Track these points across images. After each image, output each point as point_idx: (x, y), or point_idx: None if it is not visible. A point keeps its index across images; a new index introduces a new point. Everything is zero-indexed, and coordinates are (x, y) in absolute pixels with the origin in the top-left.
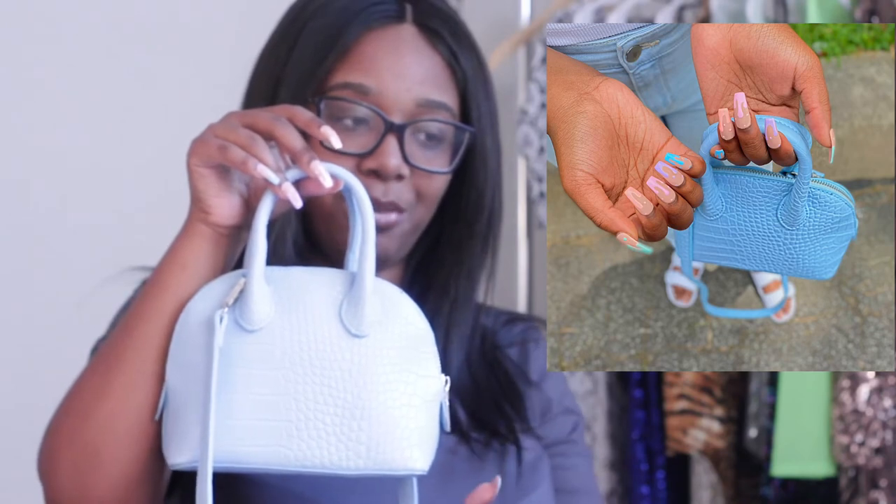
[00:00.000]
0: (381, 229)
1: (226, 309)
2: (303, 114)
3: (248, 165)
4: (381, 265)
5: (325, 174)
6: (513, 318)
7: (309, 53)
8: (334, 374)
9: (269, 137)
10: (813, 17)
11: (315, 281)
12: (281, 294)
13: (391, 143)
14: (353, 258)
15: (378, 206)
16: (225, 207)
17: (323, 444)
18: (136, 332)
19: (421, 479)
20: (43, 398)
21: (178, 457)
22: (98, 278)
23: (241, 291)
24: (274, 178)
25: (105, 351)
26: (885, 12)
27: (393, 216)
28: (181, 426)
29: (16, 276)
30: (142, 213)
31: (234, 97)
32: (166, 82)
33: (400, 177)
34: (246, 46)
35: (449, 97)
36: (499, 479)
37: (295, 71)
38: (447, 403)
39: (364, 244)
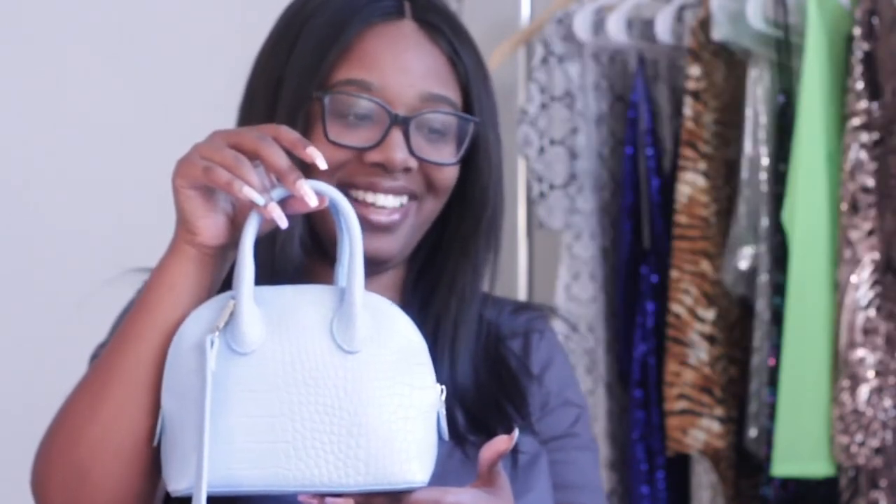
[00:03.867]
0: (386, 228)
1: (216, 333)
2: (288, 133)
3: (233, 187)
4: (386, 266)
5: (311, 193)
6: (519, 307)
7: (310, 51)
8: (329, 391)
9: (254, 157)
10: (813, 17)
11: (305, 299)
12: (271, 314)
13: (397, 136)
14: (341, 272)
15: (388, 189)
16: (211, 228)
17: (321, 462)
18: (124, 355)
19: None
20: (43, 399)
21: (178, 483)
22: (99, 279)
23: (231, 314)
24: (259, 199)
25: (94, 372)
26: (885, 12)
27: (398, 215)
28: (179, 452)
29: (16, 277)
30: (142, 215)
31: (235, 99)
32: (168, 83)
33: (407, 169)
34: (248, 48)
35: (451, 91)
36: (517, 432)
37: (296, 69)
38: (444, 413)
39: (352, 259)
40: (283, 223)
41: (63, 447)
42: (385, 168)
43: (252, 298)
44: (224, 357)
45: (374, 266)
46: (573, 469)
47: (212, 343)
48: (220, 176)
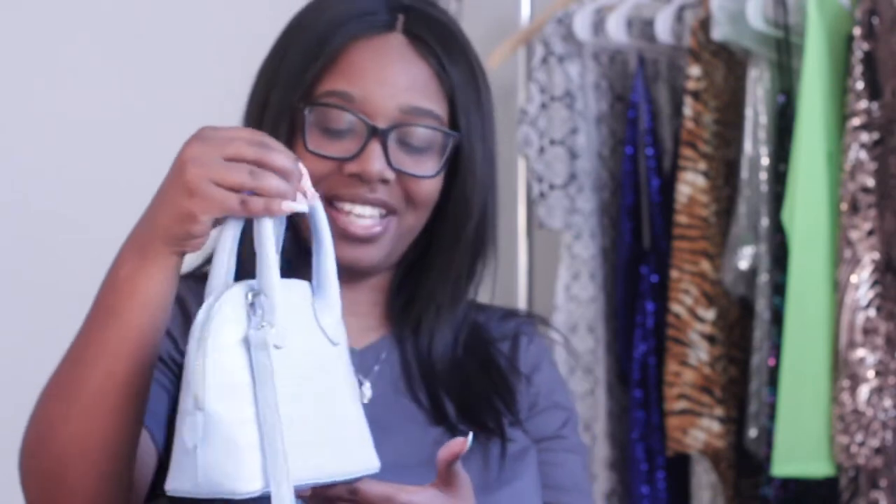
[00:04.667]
0: (366, 240)
1: (272, 327)
2: (277, 144)
3: (272, 209)
4: (370, 273)
5: (313, 191)
6: (508, 313)
7: (298, 61)
8: (331, 382)
9: (260, 166)
10: (813, 16)
11: (293, 292)
12: None
13: (375, 148)
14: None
15: (366, 201)
16: (206, 239)
17: (336, 451)
18: (95, 366)
19: (406, 469)
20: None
21: (248, 484)
22: (100, 278)
23: (265, 308)
24: (304, 208)
25: (60, 378)
26: (885, 12)
27: (379, 228)
28: (235, 453)
29: (17, 276)
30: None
31: (237, 99)
32: (171, 83)
33: (384, 181)
34: (251, 50)
35: (436, 105)
36: (471, 436)
37: (284, 80)
38: None
39: (323, 255)
40: (305, 210)
41: (35, 453)
42: (362, 179)
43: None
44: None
45: (356, 274)
46: (561, 470)
47: (272, 337)
48: (258, 204)
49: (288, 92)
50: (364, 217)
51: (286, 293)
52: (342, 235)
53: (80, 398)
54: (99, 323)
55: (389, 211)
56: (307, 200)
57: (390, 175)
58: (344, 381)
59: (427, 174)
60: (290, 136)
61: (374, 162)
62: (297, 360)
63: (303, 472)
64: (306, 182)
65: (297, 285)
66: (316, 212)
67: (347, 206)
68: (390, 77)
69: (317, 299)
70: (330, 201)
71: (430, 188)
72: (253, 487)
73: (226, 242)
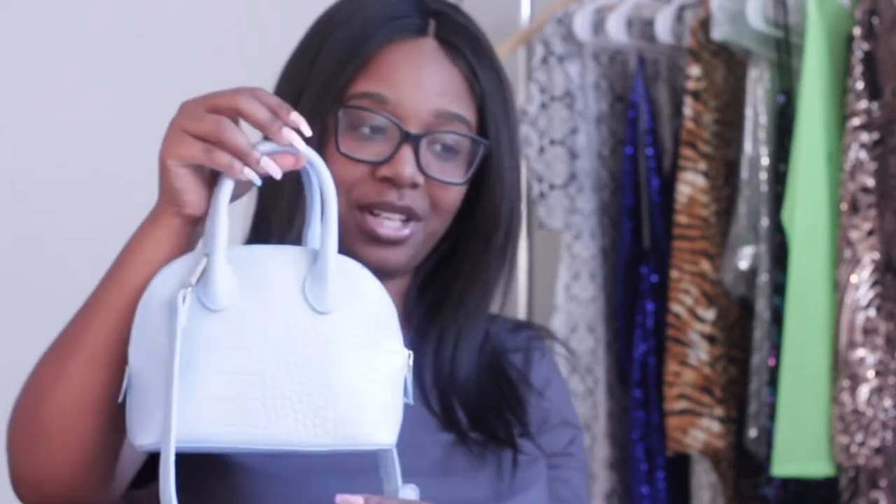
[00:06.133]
0: (394, 242)
1: (189, 289)
2: (268, 96)
3: (234, 170)
4: (393, 275)
5: (299, 140)
6: (518, 325)
7: (331, 63)
8: (300, 350)
9: (234, 115)
10: (813, 17)
11: (278, 258)
12: (244, 272)
13: (407, 152)
14: (311, 234)
15: (394, 209)
16: (200, 200)
17: (290, 421)
18: (94, 323)
19: (419, 476)
20: None
21: (143, 438)
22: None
23: (204, 270)
24: (258, 181)
25: (60, 339)
26: (885, 12)
27: (406, 231)
28: (147, 408)
29: (17, 276)
30: (143, 213)
31: None
32: (170, 84)
33: (414, 185)
34: (248, 54)
35: (466, 110)
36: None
37: (316, 80)
38: (411, 377)
39: (325, 221)
40: (278, 175)
41: (28, 410)
42: (394, 183)
43: (225, 255)
44: (196, 314)
45: (381, 275)
46: (568, 487)
47: (184, 298)
48: (222, 158)
49: (321, 94)
50: (393, 220)
51: (265, 258)
52: (371, 237)
53: (77, 355)
54: (103, 283)
55: (414, 218)
56: (301, 146)
57: (420, 180)
58: (334, 350)
59: (455, 181)
60: (323, 138)
61: (406, 166)
62: (249, 323)
63: (245, 436)
64: (301, 124)
65: (289, 251)
66: (317, 167)
67: (376, 213)
68: (424, 81)
69: (313, 267)
70: (360, 208)
71: (455, 195)
72: (142, 442)
73: (218, 202)
